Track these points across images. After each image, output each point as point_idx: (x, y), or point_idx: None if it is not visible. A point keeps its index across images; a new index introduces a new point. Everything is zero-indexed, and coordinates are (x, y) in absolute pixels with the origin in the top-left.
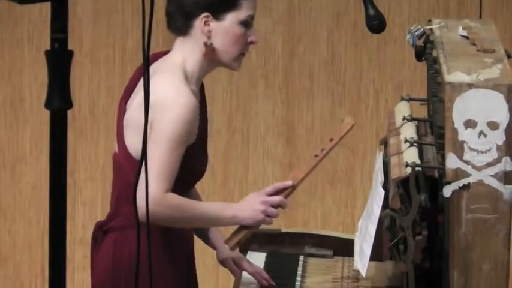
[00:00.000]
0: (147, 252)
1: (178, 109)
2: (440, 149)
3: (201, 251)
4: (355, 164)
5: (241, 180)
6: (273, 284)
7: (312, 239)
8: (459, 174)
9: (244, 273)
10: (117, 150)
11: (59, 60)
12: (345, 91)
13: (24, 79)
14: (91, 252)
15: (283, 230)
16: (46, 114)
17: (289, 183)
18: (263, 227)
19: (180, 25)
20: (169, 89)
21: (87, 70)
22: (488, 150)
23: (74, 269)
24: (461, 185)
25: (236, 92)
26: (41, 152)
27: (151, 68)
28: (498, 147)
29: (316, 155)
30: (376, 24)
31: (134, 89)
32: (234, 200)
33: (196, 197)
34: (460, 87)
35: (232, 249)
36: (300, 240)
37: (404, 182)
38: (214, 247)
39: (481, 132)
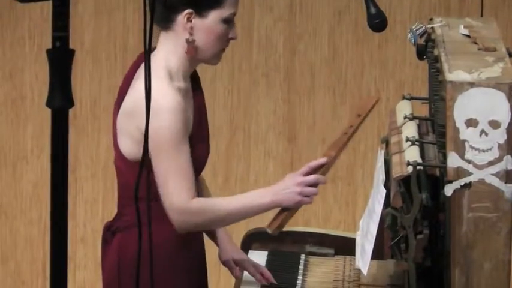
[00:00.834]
0: (148, 252)
1: (167, 114)
2: (442, 148)
3: None
4: (356, 162)
5: (243, 178)
6: (274, 282)
7: (313, 238)
8: (460, 173)
9: (246, 273)
10: (114, 153)
11: (60, 59)
12: (346, 89)
13: (26, 77)
14: (101, 254)
15: (284, 228)
16: (47, 112)
17: (323, 160)
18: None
19: (162, 19)
20: (153, 94)
21: (88, 68)
22: (490, 149)
23: (75, 267)
24: (462, 183)
25: (237, 90)
26: (42, 150)
27: (140, 69)
28: (499, 146)
29: (345, 133)
30: (378, 22)
31: (126, 92)
32: None
33: (204, 190)
34: (462, 86)
35: (274, 233)
36: (301, 238)
37: (405, 180)
38: (218, 245)
39: (483, 131)
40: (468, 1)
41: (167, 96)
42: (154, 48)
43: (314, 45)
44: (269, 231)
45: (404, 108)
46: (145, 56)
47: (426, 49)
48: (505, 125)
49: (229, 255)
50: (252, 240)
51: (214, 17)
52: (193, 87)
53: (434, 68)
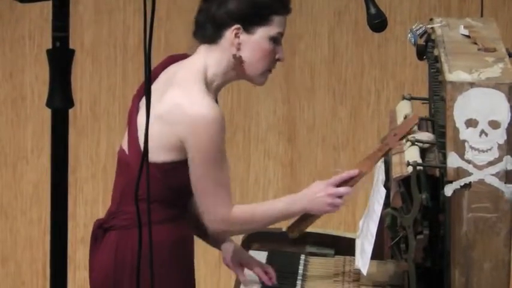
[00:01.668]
0: (148, 251)
1: (213, 125)
2: (442, 148)
3: (203, 250)
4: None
5: (243, 178)
6: (275, 282)
7: (313, 238)
8: (460, 173)
9: (245, 272)
10: (126, 149)
11: (60, 59)
12: (346, 89)
13: (26, 78)
14: (90, 251)
15: (284, 229)
16: (47, 112)
17: (355, 172)
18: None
19: (209, 34)
20: (198, 104)
21: (88, 68)
22: (490, 149)
23: (75, 267)
24: (462, 184)
25: (237, 90)
26: (42, 150)
27: (170, 71)
28: (499, 146)
29: (379, 150)
30: (378, 23)
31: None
32: (235, 200)
33: None
34: (461, 86)
35: (293, 236)
36: (301, 239)
37: (405, 181)
38: (218, 247)
39: (482, 131)
40: (468, 1)
41: (213, 107)
42: (186, 55)
43: (314, 45)
44: (290, 234)
45: (404, 108)
46: (145, 58)
47: (426, 49)
48: (504, 125)
49: (234, 257)
50: (251, 241)
51: (261, 34)
52: None
53: (434, 68)
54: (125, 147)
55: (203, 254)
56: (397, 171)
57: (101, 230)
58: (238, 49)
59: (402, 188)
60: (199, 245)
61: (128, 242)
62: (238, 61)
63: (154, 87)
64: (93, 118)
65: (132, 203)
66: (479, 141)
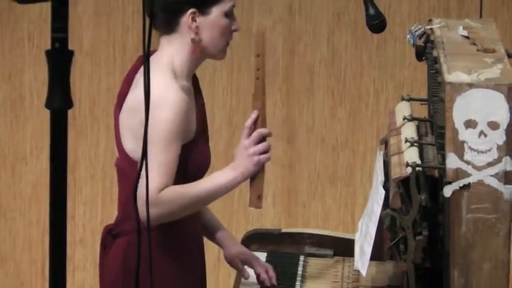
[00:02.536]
0: (148, 255)
1: (166, 107)
2: (441, 149)
3: None
4: (356, 163)
5: None
6: (275, 284)
7: (312, 239)
8: (459, 174)
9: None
10: (118, 156)
11: (60, 60)
12: (345, 90)
13: (25, 78)
14: (100, 257)
15: (284, 229)
16: (46, 113)
17: (254, 114)
18: (264, 221)
19: (165, 23)
20: (157, 88)
21: (87, 69)
22: (489, 150)
23: (74, 268)
24: (461, 184)
25: (236, 90)
26: (41, 151)
27: (141, 71)
28: (498, 147)
29: (257, 78)
30: (377, 23)
31: (126, 95)
32: (234, 200)
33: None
34: (461, 87)
35: (257, 206)
36: (300, 240)
37: (404, 181)
38: (221, 246)
39: (482, 132)
40: (467, 2)
41: (170, 90)
42: (154, 51)
43: (313, 46)
44: (252, 207)
45: (403, 109)
46: (144, 58)
47: (425, 50)
48: (504, 126)
49: (236, 255)
50: (251, 241)
51: (216, 12)
52: (194, 86)
53: (433, 69)
54: (117, 153)
55: None
56: (396, 172)
57: (110, 236)
58: (197, 33)
59: (401, 189)
60: None
61: (135, 247)
62: (197, 44)
63: (130, 90)
64: (92, 119)
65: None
66: (478, 142)
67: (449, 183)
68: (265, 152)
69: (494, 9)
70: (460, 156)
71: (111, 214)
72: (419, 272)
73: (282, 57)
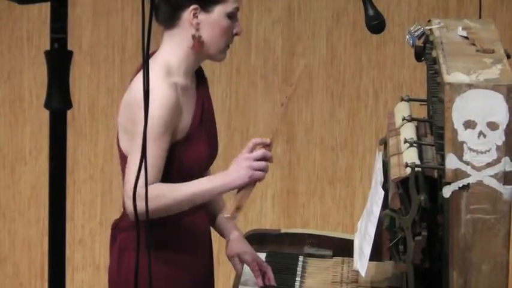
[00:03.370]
0: (147, 254)
1: (152, 104)
2: (440, 150)
3: None
4: (355, 164)
5: None
6: (274, 284)
7: (312, 239)
8: (459, 174)
9: (244, 272)
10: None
11: (59, 60)
12: (344, 91)
13: (24, 79)
14: (110, 252)
15: (283, 230)
16: (46, 114)
17: (269, 140)
18: (264, 221)
19: (167, 17)
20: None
21: (86, 70)
22: (488, 151)
23: (73, 269)
24: (460, 185)
25: (235, 92)
26: (41, 152)
27: (139, 72)
28: (498, 148)
29: (282, 104)
30: (376, 24)
31: None
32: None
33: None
34: (460, 88)
35: (233, 217)
36: (300, 240)
37: (403, 182)
38: (226, 239)
39: (481, 133)
40: (466, 3)
41: (158, 88)
42: (154, 52)
43: (312, 47)
44: (228, 216)
45: (402, 109)
46: (144, 58)
47: (424, 51)
48: (503, 126)
49: (235, 252)
50: (250, 242)
51: (219, 11)
52: (198, 85)
53: (432, 70)
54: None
55: None
56: (395, 173)
57: (116, 230)
58: (197, 29)
59: (400, 190)
60: None
61: (130, 245)
62: (197, 41)
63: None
64: (91, 119)
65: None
66: (477, 143)
67: (449, 183)
68: (262, 171)
69: (494, 10)
70: (460, 156)
71: (110, 214)
72: (418, 272)
73: (281, 58)
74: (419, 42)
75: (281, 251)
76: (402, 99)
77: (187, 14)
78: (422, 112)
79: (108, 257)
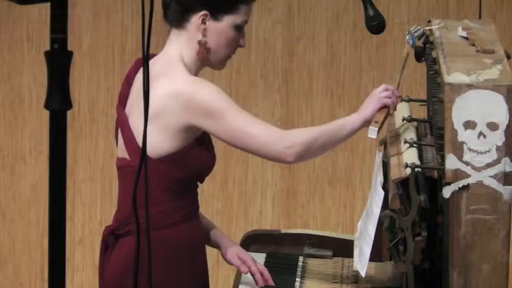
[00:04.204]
0: (147, 255)
1: (208, 83)
2: (440, 150)
3: None
4: (355, 164)
5: (241, 181)
6: (273, 284)
7: (312, 240)
8: (459, 175)
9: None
10: (127, 156)
11: (59, 61)
12: (344, 91)
13: (24, 79)
14: (100, 258)
15: (283, 230)
16: (45, 114)
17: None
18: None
19: (176, 17)
20: (185, 80)
21: (86, 71)
22: (488, 151)
23: (73, 269)
24: (460, 185)
25: (235, 92)
26: (41, 152)
27: (152, 70)
28: (498, 148)
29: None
30: (376, 24)
31: (129, 95)
32: (234, 201)
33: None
34: (460, 88)
35: (373, 126)
36: (300, 240)
37: (403, 182)
38: (217, 246)
39: (481, 133)
40: (466, 3)
41: (201, 79)
42: (154, 55)
43: (312, 47)
44: (371, 127)
45: (402, 110)
46: (144, 58)
47: (424, 51)
48: (503, 127)
49: (233, 251)
50: (250, 242)
51: (228, 21)
52: None
53: (432, 70)
54: (125, 154)
55: None
56: (395, 173)
57: (112, 236)
58: (204, 35)
59: (400, 190)
60: None
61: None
62: (203, 46)
63: (134, 91)
64: (91, 120)
65: (143, 208)
66: (477, 143)
67: (449, 184)
68: (389, 98)
69: (494, 10)
70: (459, 157)
71: (110, 215)
72: (418, 273)
73: (281, 58)
74: (419, 43)
75: (281, 251)
76: (402, 100)
77: (196, 18)
78: (422, 112)
79: None
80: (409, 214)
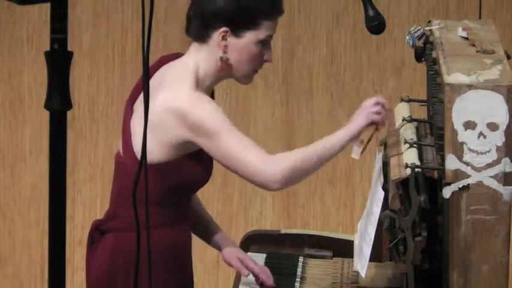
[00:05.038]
0: (146, 255)
1: (206, 102)
2: (440, 150)
3: (201, 251)
4: (355, 164)
5: (241, 182)
6: (273, 285)
7: (312, 240)
8: (459, 175)
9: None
10: (121, 151)
11: (59, 61)
12: (344, 92)
13: (24, 79)
14: (87, 252)
15: (283, 231)
16: (45, 114)
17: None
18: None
19: (197, 32)
20: (185, 98)
21: (86, 71)
22: (488, 151)
23: (73, 269)
24: (460, 186)
25: (235, 93)
26: (41, 152)
27: (162, 71)
28: (498, 148)
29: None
30: (376, 25)
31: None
32: (233, 202)
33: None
34: (460, 88)
35: (356, 153)
36: (300, 241)
37: (403, 183)
38: (218, 247)
39: (481, 133)
40: (466, 3)
41: (196, 93)
42: (180, 54)
43: (312, 47)
44: (358, 147)
45: (402, 110)
46: (144, 58)
47: (424, 51)
48: (503, 127)
49: (234, 253)
50: (250, 243)
51: (249, 38)
52: None
53: (432, 70)
54: (121, 150)
55: (201, 256)
56: (395, 173)
57: (98, 231)
58: (225, 52)
59: (400, 190)
60: (197, 246)
61: (122, 245)
62: (225, 63)
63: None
64: (91, 120)
65: (128, 206)
66: (477, 143)
67: (449, 184)
68: (379, 114)
69: (494, 10)
70: (459, 157)
71: None
72: (418, 273)
73: (281, 58)
74: (419, 43)
75: (281, 251)
76: (402, 100)
77: (216, 35)
78: (422, 113)
79: None
80: (409, 214)
